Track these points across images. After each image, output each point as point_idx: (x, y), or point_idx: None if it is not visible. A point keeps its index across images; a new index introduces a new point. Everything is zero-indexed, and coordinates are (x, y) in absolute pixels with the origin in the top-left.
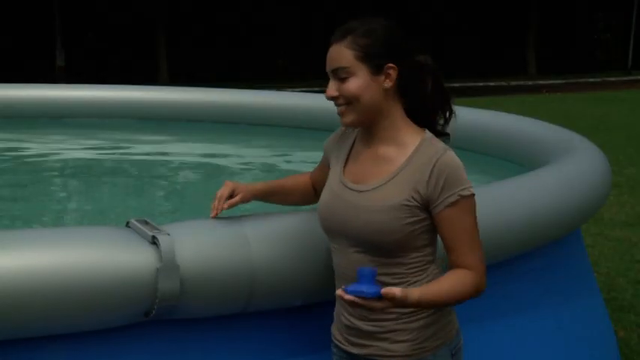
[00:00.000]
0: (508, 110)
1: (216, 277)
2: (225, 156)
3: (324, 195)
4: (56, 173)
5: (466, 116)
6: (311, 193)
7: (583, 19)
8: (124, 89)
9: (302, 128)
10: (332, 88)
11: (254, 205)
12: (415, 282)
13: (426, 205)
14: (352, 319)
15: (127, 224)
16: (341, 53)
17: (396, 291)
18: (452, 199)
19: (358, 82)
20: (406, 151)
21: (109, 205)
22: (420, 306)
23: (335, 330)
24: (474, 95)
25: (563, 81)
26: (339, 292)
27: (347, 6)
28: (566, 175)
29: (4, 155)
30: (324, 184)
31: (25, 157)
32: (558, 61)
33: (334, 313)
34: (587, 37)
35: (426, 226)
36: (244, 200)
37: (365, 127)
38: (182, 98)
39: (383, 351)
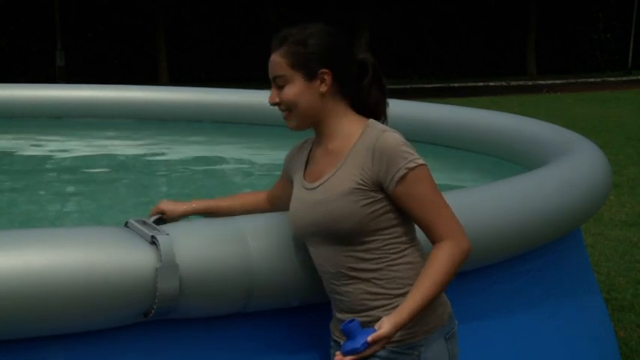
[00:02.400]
0: (508, 110)
1: (215, 276)
2: (225, 156)
3: (291, 204)
4: (56, 173)
5: (466, 116)
6: (262, 211)
7: (583, 19)
8: (124, 89)
9: None
10: (273, 94)
11: None
12: (395, 265)
13: (378, 186)
14: (344, 314)
15: (126, 224)
16: (278, 62)
17: (383, 330)
18: (400, 174)
19: (294, 89)
20: (351, 141)
21: (109, 205)
22: (415, 314)
23: (332, 326)
24: (474, 95)
25: (563, 81)
26: (337, 358)
27: (347, 6)
28: (566, 175)
29: (4, 155)
30: (283, 200)
31: (25, 157)
32: (558, 61)
33: (333, 310)
34: (587, 37)
35: (386, 207)
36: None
37: (310, 127)
38: (182, 98)
39: None
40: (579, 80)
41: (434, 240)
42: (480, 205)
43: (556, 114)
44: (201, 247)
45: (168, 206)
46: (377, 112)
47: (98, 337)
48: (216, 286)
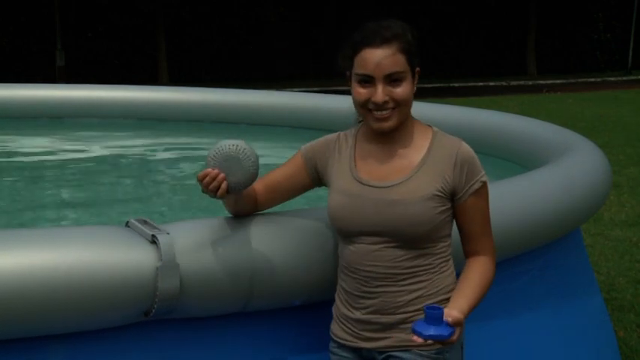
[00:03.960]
0: (508, 110)
1: (215, 276)
2: None
3: (336, 197)
4: (56, 173)
5: (466, 116)
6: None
7: (583, 19)
8: (124, 89)
9: (302, 128)
10: (382, 92)
11: None
12: (443, 272)
13: (451, 195)
14: (368, 315)
15: (127, 224)
16: (397, 58)
17: (460, 316)
18: (476, 187)
19: (409, 87)
20: (421, 145)
21: (109, 204)
22: (470, 312)
23: (338, 329)
24: (474, 95)
25: (563, 81)
26: (415, 339)
27: (347, 6)
28: (566, 175)
29: (4, 155)
30: (281, 187)
31: (25, 157)
32: (558, 61)
33: (334, 313)
34: (587, 37)
35: (450, 216)
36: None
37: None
38: (182, 98)
39: (400, 342)
40: (579, 80)
41: (472, 252)
42: None
43: (556, 114)
44: (201, 246)
45: None
46: None
47: (98, 337)
48: (217, 285)
